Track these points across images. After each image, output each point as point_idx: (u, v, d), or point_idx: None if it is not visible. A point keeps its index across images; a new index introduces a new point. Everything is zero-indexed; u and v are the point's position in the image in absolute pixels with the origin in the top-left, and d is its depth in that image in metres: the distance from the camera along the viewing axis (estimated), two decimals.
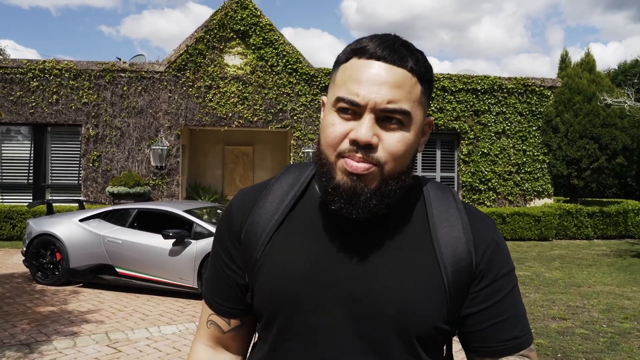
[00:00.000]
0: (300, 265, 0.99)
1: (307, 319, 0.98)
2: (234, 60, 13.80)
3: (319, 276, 0.98)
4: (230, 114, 13.60)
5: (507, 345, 1.00)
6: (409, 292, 0.96)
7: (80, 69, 13.29)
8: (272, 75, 13.82)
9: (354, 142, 0.93)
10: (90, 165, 13.24)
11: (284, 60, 13.86)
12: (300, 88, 13.85)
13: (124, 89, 13.39)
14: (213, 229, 7.22)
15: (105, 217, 7.87)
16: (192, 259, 6.95)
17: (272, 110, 13.77)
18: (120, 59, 14.54)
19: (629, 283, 8.36)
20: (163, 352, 5.03)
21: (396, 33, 1.03)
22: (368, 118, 0.92)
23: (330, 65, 15.21)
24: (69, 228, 7.73)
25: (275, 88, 13.80)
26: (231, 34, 13.74)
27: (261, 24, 13.83)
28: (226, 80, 13.64)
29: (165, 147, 13.26)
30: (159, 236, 7.19)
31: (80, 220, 7.80)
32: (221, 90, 13.61)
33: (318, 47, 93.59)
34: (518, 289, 1.03)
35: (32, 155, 13.39)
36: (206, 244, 6.98)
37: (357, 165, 0.93)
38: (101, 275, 7.53)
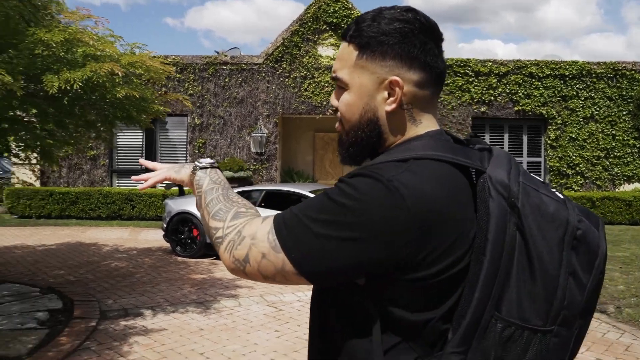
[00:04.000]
0: None
1: None
2: (327, 51, 14.51)
3: None
4: (324, 103, 14.35)
5: None
6: None
7: (186, 62, 14.36)
8: None
9: None
10: (196, 151, 14.33)
11: None
12: None
13: (226, 80, 14.37)
14: None
15: (241, 195, 8.76)
16: None
17: None
18: (218, 52, 15.55)
19: None
20: None
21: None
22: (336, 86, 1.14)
23: None
24: None
25: None
26: (324, 27, 14.46)
27: (353, 16, 14.46)
28: (320, 71, 14.38)
29: (265, 134, 14.16)
30: None
31: None
32: (315, 80, 14.36)
33: None
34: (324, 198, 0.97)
35: (144, 143, 14.60)
36: None
37: (336, 125, 1.16)
38: None
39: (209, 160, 1.30)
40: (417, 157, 0.99)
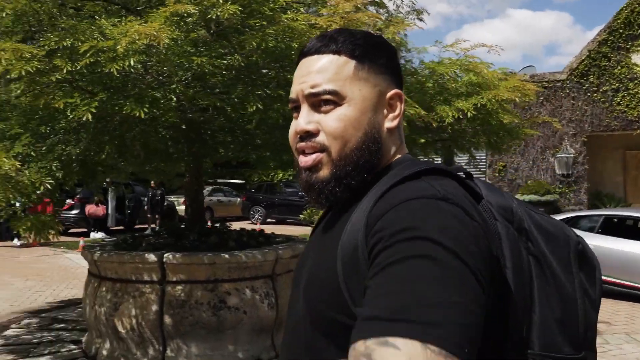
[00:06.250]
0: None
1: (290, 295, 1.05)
2: None
3: (300, 261, 1.05)
4: None
5: (359, 326, 0.69)
6: (311, 279, 0.92)
7: None
8: None
9: (298, 135, 0.94)
10: (497, 175, 14.03)
11: None
12: None
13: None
14: None
15: (568, 222, 8.22)
16: None
17: None
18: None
19: None
20: None
21: None
22: (303, 108, 0.94)
23: None
24: None
25: None
26: (639, 31, 13.00)
27: None
28: (636, 81, 12.93)
29: (571, 155, 13.23)
30: (637, 242, 7.19)
31: None
32: (630, 91, 12.95)
33: None
34: (419, 265, 0.70)
35: None
36: None
37: (306, 159, 0.93)
38: None
39: None
40: (431, 169, 0.87)
